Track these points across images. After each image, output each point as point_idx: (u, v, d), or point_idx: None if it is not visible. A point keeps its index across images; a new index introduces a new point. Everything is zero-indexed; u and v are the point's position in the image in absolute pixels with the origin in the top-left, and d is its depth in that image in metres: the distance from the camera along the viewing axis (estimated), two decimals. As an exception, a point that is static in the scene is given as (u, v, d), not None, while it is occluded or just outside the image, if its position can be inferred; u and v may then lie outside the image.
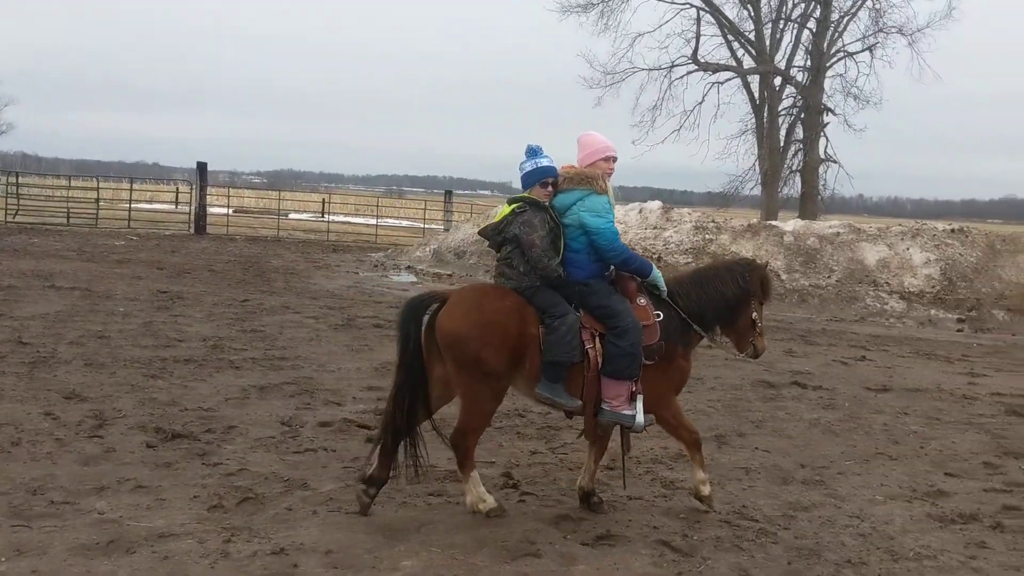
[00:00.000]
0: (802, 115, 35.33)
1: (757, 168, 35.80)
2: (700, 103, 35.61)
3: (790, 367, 11.25)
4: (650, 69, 35.09)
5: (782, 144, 35.70)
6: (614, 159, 5.59)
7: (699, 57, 34.96)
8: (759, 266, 5.92)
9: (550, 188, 5.43)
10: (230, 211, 39.34)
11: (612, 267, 5.52)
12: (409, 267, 22.76)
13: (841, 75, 35.14)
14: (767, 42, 35.20)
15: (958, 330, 16.74)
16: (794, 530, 5.54)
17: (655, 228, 22.50)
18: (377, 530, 5.18)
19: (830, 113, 34.66)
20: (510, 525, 5.31)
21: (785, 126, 36.11)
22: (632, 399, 5.29)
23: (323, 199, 51.85)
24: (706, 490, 5.61)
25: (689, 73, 35.32)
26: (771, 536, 5.40)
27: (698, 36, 34.59)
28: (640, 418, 5.31)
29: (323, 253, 26.68)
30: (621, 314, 5.26)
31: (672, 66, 35.05)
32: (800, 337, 14.41)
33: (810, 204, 34.20)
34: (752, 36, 35.34)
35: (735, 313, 5.71)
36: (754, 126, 35.83)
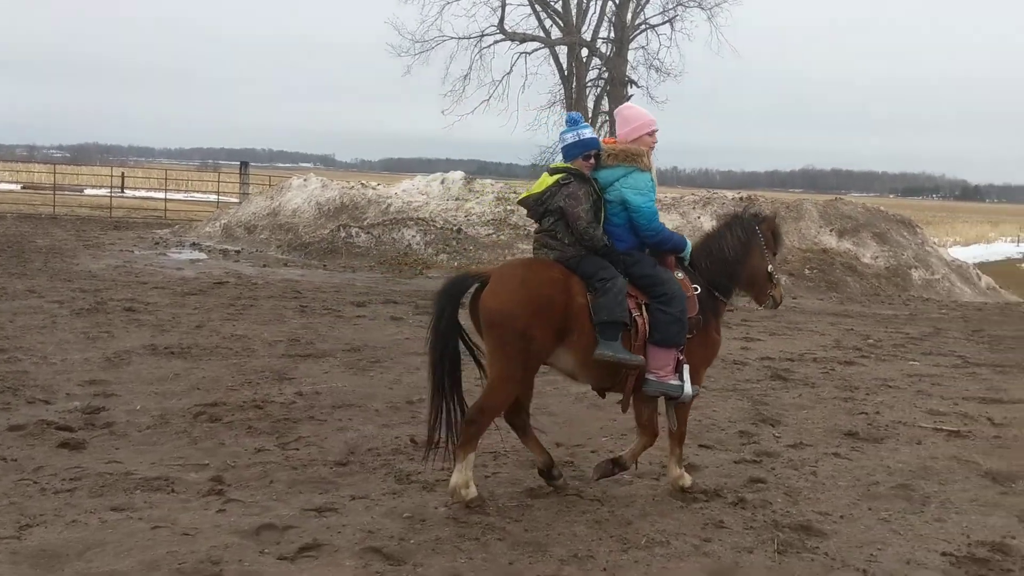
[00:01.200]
0: (608, 87, 35.73)
1: (566, 139, 35.90)
2: (508, 73, 35.40)
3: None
4: (459, 38, 34.51)
5: (591, 115, 35.96)
6: (657, 132, 5.52)
7: (506, 27, 34.65)
8: (768, 217, 5.86)
9: (592, 160, 5.34)
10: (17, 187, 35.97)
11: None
12: (195, 244, 21.22)
13: (644, 47, 35.77)
14: (573, 13, 35.26)
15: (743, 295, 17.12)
16: (526, 522, 5.07)
17: (457, 199, 22.01)
18: (27, 558, 4.30)
19: (634, 85, 35.20)
20: (196, 541, 4.55)
21: (593, 97, 36.43)
22: (678, 368, 5.26)
23: (121, 173, 48.62)
24: (687, 482, 5.59)
25: (497, 42, 34.99)
26: (498, 532, 4.90)
27: (504, 5, 34.26)
28: (688, 388, 5.28)
29: (102, 231, 24.56)
30: (667, 282, 5.24)
31: (481, 35, 34.59)
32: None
33: (617, 175, 34.59)
34: (559, 7, 35.33)
35: (751, 270, 5.68)
36: (563, 97, 35.92)
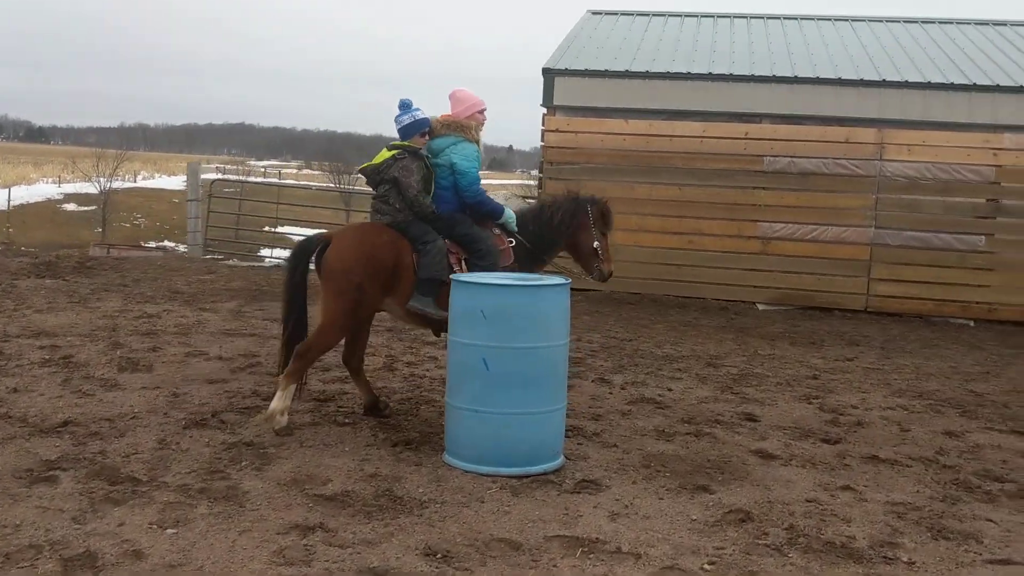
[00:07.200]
0: None
1: None
2: None
3: None
4: None
5: None
6: (485, 111, 6.27)
7: None
8: (600, 201, 6.48)
9: (426, 137, 6.04)
10: None
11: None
12: None
13: None
14: None
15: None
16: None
17: None
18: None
19: None
20: None
21: None
22: None
23: None
24: None
25: None
26: None
27: None
28: None
29: None
30: (482, 239, 5.97)
31: None
32: None
33: None
34: None
35: (576, 242, 6.37)
36: None
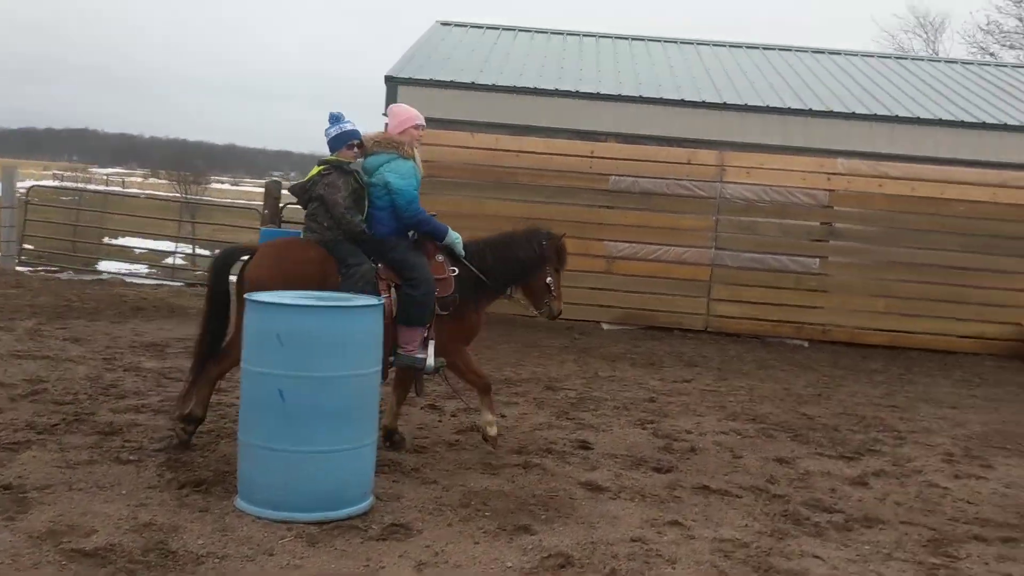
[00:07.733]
0: None
1: None
2: None
3: None
4: None
5: None
6: (423, 127, 6.03)
7: None
8: (556, 236, 6.30)
9: (356, 149, 5.78)
10: None
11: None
12: None
13: None
14: None
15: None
16: None
17: None
18: None
19: None
20: None
21: None
22: (424, 344, 5.69)
23: None
24: (493, 431, 6.00)
25: None
26: None
27: None
28: (431, 361, 5.71)
29: None
30: (416, 267, 5.66)
31: None
32: None
33: None
34: None
35: (530, 276, 6.17)
36: None
